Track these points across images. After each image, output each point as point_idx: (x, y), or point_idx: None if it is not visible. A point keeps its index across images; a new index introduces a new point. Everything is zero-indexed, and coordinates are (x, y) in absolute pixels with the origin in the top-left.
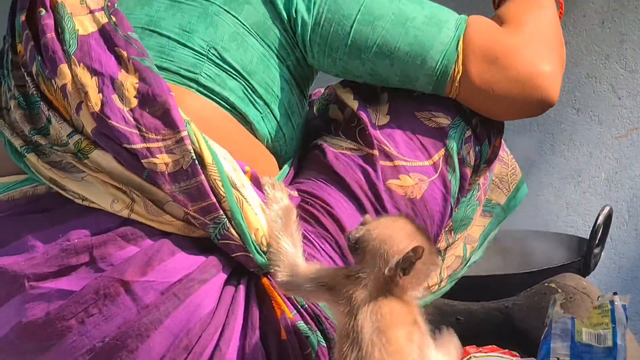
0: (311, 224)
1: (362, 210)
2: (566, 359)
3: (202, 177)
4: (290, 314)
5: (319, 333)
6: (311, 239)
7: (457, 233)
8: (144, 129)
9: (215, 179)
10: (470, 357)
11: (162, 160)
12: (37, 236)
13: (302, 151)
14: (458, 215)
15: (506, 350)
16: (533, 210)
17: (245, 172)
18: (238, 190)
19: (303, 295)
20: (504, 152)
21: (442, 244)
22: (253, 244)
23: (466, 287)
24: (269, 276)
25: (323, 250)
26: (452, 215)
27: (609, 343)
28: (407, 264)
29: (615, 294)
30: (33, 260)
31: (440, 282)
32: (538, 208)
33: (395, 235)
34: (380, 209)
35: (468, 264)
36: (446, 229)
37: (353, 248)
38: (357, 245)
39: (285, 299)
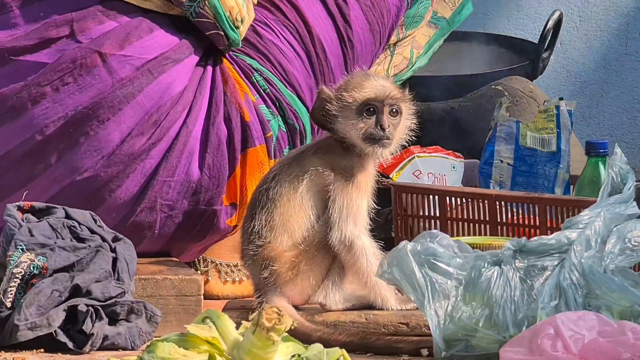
0: (272, 12)
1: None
2: (509, 162)
3: None
4: (254, 97)
5: (280, 118)
6: (272, 26)
7: (407, 29)
8: None
9: None
10: (414, 157)
11: None
12: (19, 13)
13: None
14: (411, 11)
15: (450, 151)
16: (483, 13)
17: None
18: None
19: None
20: None
21: (392, 38)
22: (227, 20)
23: (412, 87)
24: (230, 57)
25: (283, 37)
26: (406, 11)
27: (553, 147)
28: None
29: (561, 99)
30: (14, 35)
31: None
32: (488, 10)
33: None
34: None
35: (413, 68)
36: (398, 23)
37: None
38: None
39: (248, 82)
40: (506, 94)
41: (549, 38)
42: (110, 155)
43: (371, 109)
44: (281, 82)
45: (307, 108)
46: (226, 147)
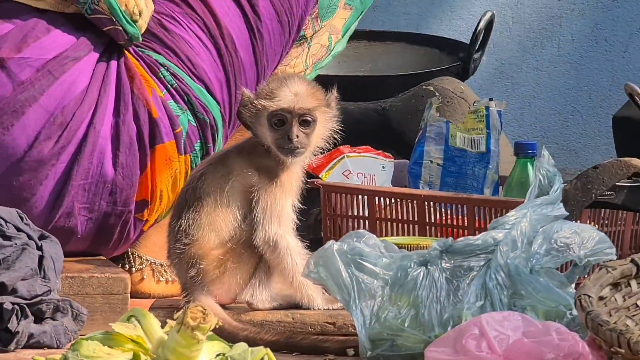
0: (179, 5)
1: None
2: (439, 162)
3: None
4: (161, 92)
5: (189, 112)
6: (178, 19)
7: (323, 20)
8: None
9: None
10: (344, 157)
11: None
12: None
13: None
14: (323, 2)
15: (380, 151)
16: (417, 13)
17: None
18: None
19: None
20: None
21: (308, 32)
22: (123, 15)
23: (343, 87)
24: (135, 53)
25: (191, 30)
26: (319, 2)
27: (483, 148)
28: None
29: (491, 99)
30: None
31: (306, 69)
32: (422, 11)
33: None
34: None
35: (332, 54)
36: (312, 15)
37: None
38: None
39: (155, 78)
40: (437, 94)
41: (480, 39)
42: (19, 162)
43: (281, 120)
44: (189, 76)
45: (217, 101)
46: (137, 145)
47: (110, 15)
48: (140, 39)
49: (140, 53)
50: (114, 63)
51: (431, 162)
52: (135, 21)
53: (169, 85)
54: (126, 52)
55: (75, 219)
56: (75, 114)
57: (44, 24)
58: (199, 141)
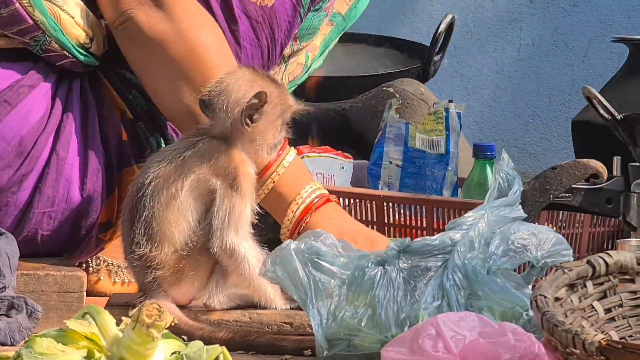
0: None
1: (208, 8)
2: (398, 163)
3: (17, 5)
4: (131, 115)
5: (158, 134)
6: None
7: (302, 41)
8: None
9: (27, 6)
10: (303, 157)
11: None
12: None
13: None
14: (304, 24)
15: (339, 151)
16: (378, 15)
17: None
18: (52, 2)
19: None
20: None
21: (286, 51)
22: (75, 48)
23: (303, 88)
24: (109, 71)
25: None
26: (300, 25)
27: (442, 150)
28: (252, 111)
29: (450, 101)
30: None
31: None
32: (383, 13)
33: (233, 84)
34: (228, 13)
35: (308, 72)
36: (292, 37)
37: (207, 109)
38: (208, 105)
39: (125, 100)
40: (397, 95)
41: (440, 41)
42: None
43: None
44: None
45: None
46: (104, 170)
47: (63, 51)
48: (97, 62)
49: (116, 70)
50: (76, 87)
51: (390, 162)
52: (87, 48)
53: (139, 108)
54: (98, 72)
55: (37, 242)
56: (36, 142)
57: None
58: None
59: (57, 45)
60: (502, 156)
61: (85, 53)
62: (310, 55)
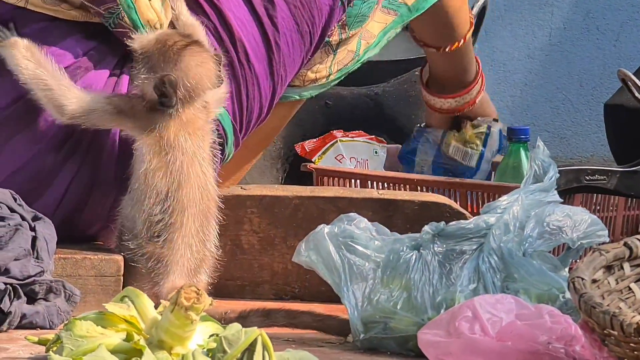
0: (195, 13)
1: None
2: (427, 164)
3: None
4: None
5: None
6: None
7: (351, 29)
8: None
9: None
10: (337, 142)
11: None
12: None
13: None
14: (353, 10)
15: (373, 136)
16: None
17: None
18: None
19: (97, 122)
20: None
21: (334, 38)
22: (144, 30)
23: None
24: None
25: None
26: (347, 10)
27: (473, 164)
28: (164, 89)
29: (495, 120)
30: None
31: (329, 75)
32: None
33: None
34: None
35: (361, 60)
36: (339, 23)
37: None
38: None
39: None
40: None
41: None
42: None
43: None
44: None
45: (229, 113)
46: None
47: (132, 29)
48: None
49: None
50: (125, 77)
51: (421, 162)
52: None
53: None
54: None
55: (76, 226)
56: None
57: (59, 32)
58: None
59: (128, 21)
60: (537, 144)
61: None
62: (364, 43)
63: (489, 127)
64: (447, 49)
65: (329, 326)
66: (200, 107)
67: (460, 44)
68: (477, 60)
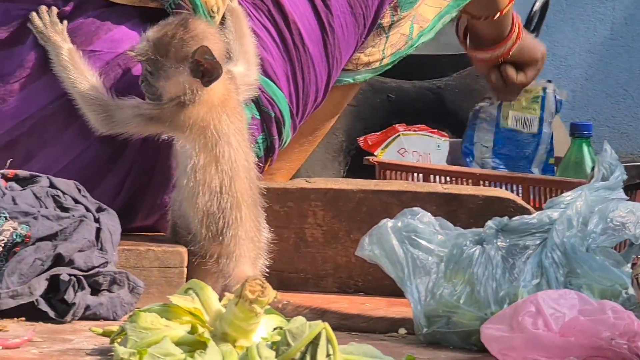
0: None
1: None
2: (489, 145)
3: None
4: None
5: (254, 106)
6: (248, 10)
7: (402, 10)
8: None
9: None
10: (399, 135)
11: None
12: None
13: None
14: None
15: (435, 130)
16: None
17: None
18: None
19: (134, 132)
20: None
21: (386, 20)
22: (203, 11)
23: (399, 66)
24: None
25: (259, 21)
26: None
27: (534, 129)
28: (206, 59)
29: (549, 81)
30: None
31: (382, 59)
32: None
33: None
34: None
35: (415, 45)
36: (391, 5)
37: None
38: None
39: None
40: None
41: (535, 21)
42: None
43: None
44: None
45: (285, 95)
46: None
47: (192, 10)
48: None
49: None
50: None
51: (482, 145)
52: (212, 17)
53: None
54: None
55: (135, 216)
56: None
57: (116, 17)
58: (261, 134)
59: (188, 2)
60: (605, 148)
61: (210, 20)
62: (417, 27)
63: (544, 89)
64: (492, 18)
65: (379, 328)
66: (228, 83)
67: (505, 11)
68: (513, 16)
